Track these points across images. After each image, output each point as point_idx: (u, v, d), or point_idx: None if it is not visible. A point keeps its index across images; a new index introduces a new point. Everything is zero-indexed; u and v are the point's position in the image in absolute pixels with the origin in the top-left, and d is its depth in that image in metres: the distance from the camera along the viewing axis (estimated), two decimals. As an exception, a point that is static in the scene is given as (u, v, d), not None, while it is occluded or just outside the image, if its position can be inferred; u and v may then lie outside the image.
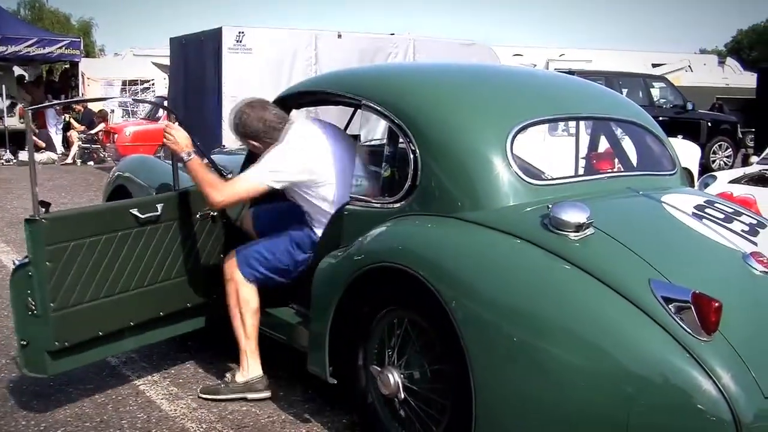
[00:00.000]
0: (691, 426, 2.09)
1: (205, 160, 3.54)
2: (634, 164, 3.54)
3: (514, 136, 2.89)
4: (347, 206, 3.16)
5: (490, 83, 3.47)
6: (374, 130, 3.95)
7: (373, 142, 3.93)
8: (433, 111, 3.05)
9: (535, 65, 16.01)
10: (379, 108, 3.15)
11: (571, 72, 12.28)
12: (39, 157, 14.20)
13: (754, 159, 7.54)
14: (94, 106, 15.83)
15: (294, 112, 3.77)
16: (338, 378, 3.05)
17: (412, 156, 2.95)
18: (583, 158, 3.87)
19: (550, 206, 2.57)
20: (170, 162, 3.70)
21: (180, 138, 3.33)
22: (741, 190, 5.94)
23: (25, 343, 3.09)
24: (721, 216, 2.87)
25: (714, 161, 14.16)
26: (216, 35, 9.57)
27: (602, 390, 2.19)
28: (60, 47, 15.80)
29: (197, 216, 3.55)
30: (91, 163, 14.54)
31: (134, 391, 3.59)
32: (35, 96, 15.82)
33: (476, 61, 9.52)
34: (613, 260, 2.44)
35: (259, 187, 3.26)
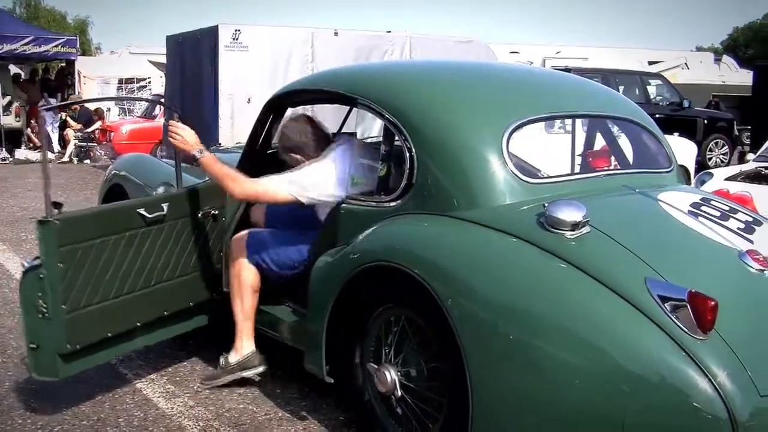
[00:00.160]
0: (687, 424, 2.09)
1: (218, 154, 3.55)
2: (631, 162, 3.54)
3: (510, 134, 2.89)
4: (343, 205, 3.16)
5: (486, 81, 3.47)
6: (370, 128, 3.95)
7: (369, 140, 3.92)
8: (428, 109, 3.05)
9: (531, 63, 16.00)
10: (374, 106, 3.15)
11: (567, 69, 12.24)
12: (35, 156, 14.18)
13: (750, 156, 7.54)
14: (91, 105, 15.78)
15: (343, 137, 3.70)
16: (335, 377, 3.05)
17: (408, 154, 2.95)
18: (579, 156, 3.87)
19: (546, 205, 2.58)
20: (165, 160, 3.69)
21: (188, 136, 3.32)
22: (737, 188, 5.95)
23: (35, 346, 3.04)
24: (718, 214, 2.87)
25: (710, 158, 14.19)
26: (212, 33, 9.53)
27: (598, 388, 2.20)
28: (56, 45, 15.73)
29: (200, 215, 3.56)
30: (88, 161, 14.51)
31: (131, 389, 3.59)
32: (31, 94, 15.76)
33: (473, 59, 9.52)
34: (609, 259, 2.44)
35: (287, 197, 3.25)
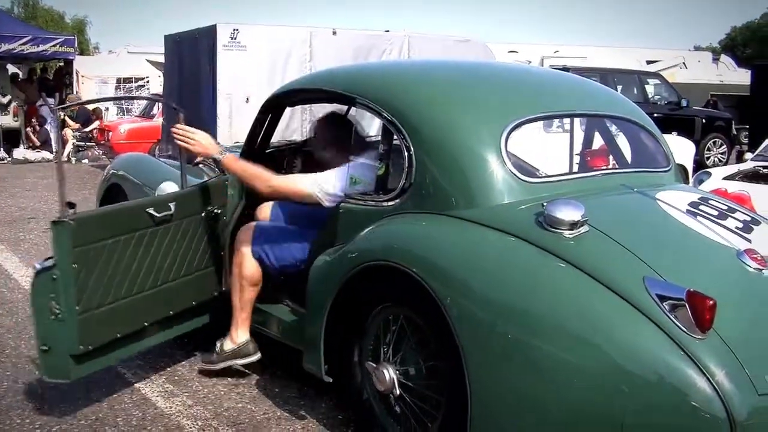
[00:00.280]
0: (686, 423, 2.09)
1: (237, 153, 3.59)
2: (629, 161, 3.54)
3: (509, 134, 2.88)
4: (342, 204, 3.16)
5: (484, 80, 3.47)
6: (368, 127, 3.95)
7: (368, 139, 3.92)
8: (427, 108, 3.05)
9: (530, 62, 15.99)
10: (373, 105, 3.14)
11: (566, 69, 12.25)
12: (34, 155, 14.17)
13: (748, 156, 7.54)
14: (90, 104, 15.77)
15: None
16: (333, 376, 3.05)
17: (406, 154, 2.94)
18: (577, 155, 3.87)
19: (544, 204, 2.58)
20: (163, 159, 3.69)
21: (203, 139, 3.31)
22: (735, 187, 5.95)
23: (46, 348, 3.01)
24: (716, 213, 2.88)
25: (708, 158, 14.19)
26: (210, 32, 9.53)
27: (597, 388, 2.20)
28: (54, 45, 15.70)
29: (204, 214, 3.56)
30: (86, 161, 14.49)
31: (129, 388, 3.58)
32: (29, 93, 15.75)
33: (471, 58, 9.52)
34: (608, 258, 2.44)
35: (312, 196, 3.23)
